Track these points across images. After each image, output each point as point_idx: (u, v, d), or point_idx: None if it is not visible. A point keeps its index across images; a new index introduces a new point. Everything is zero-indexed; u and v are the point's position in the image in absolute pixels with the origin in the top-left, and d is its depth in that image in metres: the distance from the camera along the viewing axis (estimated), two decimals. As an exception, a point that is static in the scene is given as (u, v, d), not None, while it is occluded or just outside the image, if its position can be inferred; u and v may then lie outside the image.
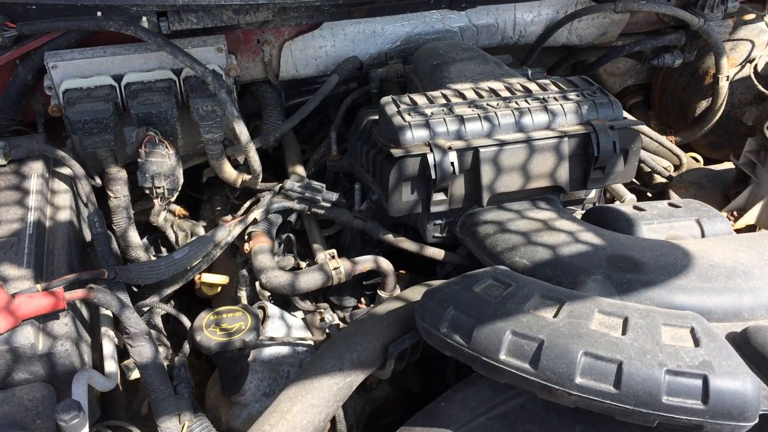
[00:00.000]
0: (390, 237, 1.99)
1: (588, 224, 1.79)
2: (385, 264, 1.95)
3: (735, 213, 2.25)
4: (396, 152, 1.74)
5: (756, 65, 2.53)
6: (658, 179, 2.52)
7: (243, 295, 2.02)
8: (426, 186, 1.80)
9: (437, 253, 1.96)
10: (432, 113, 1.83)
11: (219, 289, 2.14)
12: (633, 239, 1.73)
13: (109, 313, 1.69)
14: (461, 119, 1.81)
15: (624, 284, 1.56)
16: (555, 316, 1.41)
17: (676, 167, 2.59)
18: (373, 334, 1.67)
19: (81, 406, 1.28)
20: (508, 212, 1.87)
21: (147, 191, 1.98)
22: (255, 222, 2.00)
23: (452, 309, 1.50)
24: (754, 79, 2.47)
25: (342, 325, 1.99)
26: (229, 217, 2.05)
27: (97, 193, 1.99)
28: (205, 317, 1.72)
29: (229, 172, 2.18)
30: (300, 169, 2.24)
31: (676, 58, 2.69)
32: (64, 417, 1.25)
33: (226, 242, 1.93)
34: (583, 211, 2.08)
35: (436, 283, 1.81)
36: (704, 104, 2.73)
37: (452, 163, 1.75)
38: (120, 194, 2.02)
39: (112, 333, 1.64)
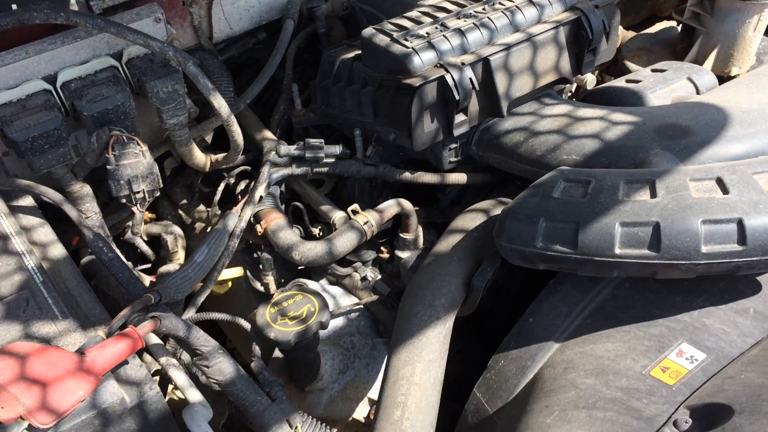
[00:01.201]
0: (407, 174, 1.86)
1: (608, 106, 1.77)
2: (407, 204, 1.83)
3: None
4: (414, 81, 1.60)
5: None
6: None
7: (270, 280, 1.82)
8: (445, 110, 1.69)
9: (460, 178, 1.87)
10: (428, 33, 1.70)
11: (229, 284, 1.92)
12: (661, 108, 1.74)
13: (158, 340, 1.45)
14: (460, 32, 1.70)
15: (682, 150, 1.57)
16: (653, 196, 1.38)
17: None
18: (451, 273, 1.58)
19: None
20: (523, 116, 1.80)
21: (124, 200, 1.69)
22: (261, 200, 1.78)
23: (543, 221, 1.43)
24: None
25: (371, 278, 1.86)
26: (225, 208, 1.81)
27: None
28: (265, 312, 1.53)
29: (199, 157, 1.92)
30: (269, 134, 2.02)
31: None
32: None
33: (240, 229, 1.71)
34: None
35: (482, 205, 1.74)
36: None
37: (471, 79, 1.64)
38: (91, 212, 1.72)
39: (175, 361, 1.41)
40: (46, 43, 1.63)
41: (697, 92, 1.91)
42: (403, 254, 1.87)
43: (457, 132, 1.72)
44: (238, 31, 2.09)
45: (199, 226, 2.18)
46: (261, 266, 1.80)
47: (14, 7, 1.51)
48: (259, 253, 2.01)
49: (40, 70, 1.64)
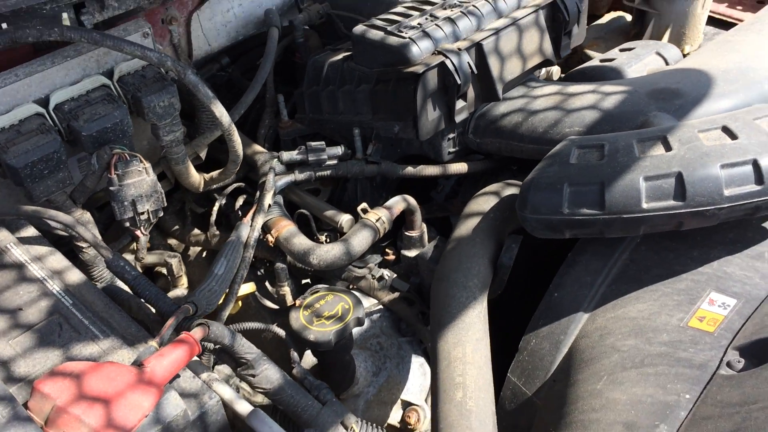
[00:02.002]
0: (410, 169, 1.87)
1: (594, 81, 1.84)
2: (413, 200, 1.84)
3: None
4: (416, 68, 1.62)
5: None
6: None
7: (287, 291, 1.77)
8: (445, 98, 1.72)
9: (461, 168, 1.89)
10: (420, 24, 1.73)
11: (240, 304, 1.86)
12: (646, 77, 1.83)
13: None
14: (450, 20, 1.74)
15: (678, 110, 1.64)
16: (669, 149, 1.44)
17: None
18: (477, 254, 1.59)
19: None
20: (516, 100, 1.85)
21: (127, 223, 1.63)
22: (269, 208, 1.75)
23: (567, 186, 1.47)
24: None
25: (388, 276, 1.84)
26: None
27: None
28: (299, 315, 1.50)
29: (194, 175, 1.87)
30: (259, 148, 1.99)
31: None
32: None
33: (254, 239, 1.67)
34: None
35: (492, 188, 1.76)
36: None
37: (469, 63, 1.68)
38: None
39: (216, 374, 1.35)
40: (35, 65, 1.56)
41: (667, 65, 2.02)
42: (410, 252, 1.87)
43: (458, 118, 1.74)
44: (216, 48, 2.06)
45: (194, 251, 2.11)
46: (276, 278, 1.76)
47: (4, 25, 1.44)
48: (263, 269, 1.97)
49: (31, 93, 1.57)
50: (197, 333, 1.20)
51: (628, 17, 2.64)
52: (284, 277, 1.76)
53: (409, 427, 1.66)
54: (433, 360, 1.43)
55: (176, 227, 2.08)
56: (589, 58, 2.45)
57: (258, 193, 1.76)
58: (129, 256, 1.91)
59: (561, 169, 1.50)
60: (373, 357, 1.69)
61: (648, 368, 1.38)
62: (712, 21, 2.54)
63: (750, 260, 1.50)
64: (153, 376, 1.09)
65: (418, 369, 1.74)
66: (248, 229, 1.67)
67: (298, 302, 1.57)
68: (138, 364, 1.10)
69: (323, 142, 1.82)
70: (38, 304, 1.27)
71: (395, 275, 1.82)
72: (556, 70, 2.41)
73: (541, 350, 1.57)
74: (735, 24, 2.59)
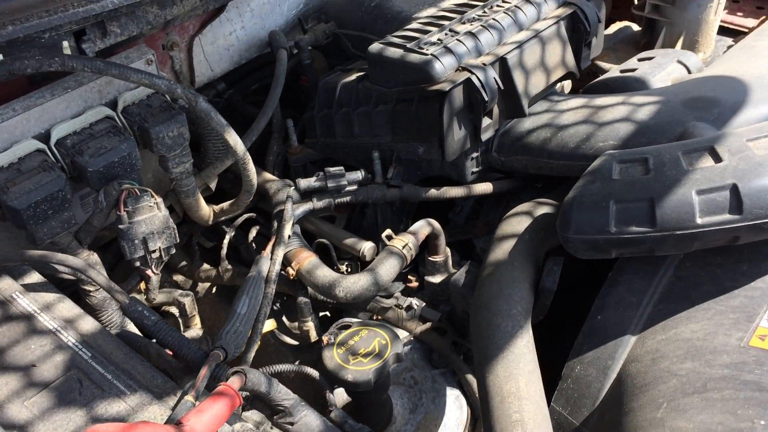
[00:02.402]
0: (433, 192, 1.78)
1: (620, 93, 1.77)
2: (437, 224, 1.74)
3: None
4: (442, 86, 1.53)
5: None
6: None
7: (311, 326, 1.66)
8: (470, 116, 1.63)
9: (486, 188, 1.80)
10: (440, 39, 1.64)
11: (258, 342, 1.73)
12: (677, 86, 1.75)
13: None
14: (472, 35, 1.66)
15: (717, 119, 1.57)
16: (719, 161, 1.36)
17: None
18: (518, 279, 1.49)
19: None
20: (542, 114, 1.77)
21: (138, 262, 1.51)
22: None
23: (614, 204, 1.38)
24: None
25: (417, 306, 1.74)
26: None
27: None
28: (333, 355, 1.38)
29: (204, 208, 1.76)
30: (270, 176, 1.89)
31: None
32: None
33: (276, 273, 1.56)
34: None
35: (522, 208, 1.67)
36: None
37: (495, 78, 1.60)
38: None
39: (249, 425, 1.23)
40: (33, 98, 1.45)
41: (689, 72, 1.95)
42: (435, 279, 1.77)
43: (484, 136, 1.66)
44: (219, 73, 1.96)
45: (203, 287, 1.99)
46: (299, 313, 1.64)
47: (0, 57, 1.33)
48: (277, 303, 1.86)
49: (30, 128, 1.45)
50: (235, 383, 1.09)
51: (634, 27, 2.59)
52: (308, 312, 1.64)
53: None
54: (482, 396, 1.32)
55: (184, 263, 1.96)
56: (601, 70, 2.38)
57: (275, 224, 1.65)
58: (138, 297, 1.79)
59: (604, 185, 1.41)
60: (408, 392, 1.58)
61: (712, 393, 1.28)
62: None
63: (802, 273, 1.42)
64: (193, 436, 0.97)
65: (454, 402, 1.63)
66: (269, 263, 1.56)
67: (326, 339, 1.46)
68: (176, 422, 0.98)
69: (341, 168, 1.72)
70: (53, 358, 1.15)
71: (424, 304, 1.71)
72: (567, 84, 2.34)
73: (587, 377, 1.48)
74: (737, 30, 2.56)
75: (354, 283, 1.56)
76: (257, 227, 1.82)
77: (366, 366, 1.35)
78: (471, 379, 1.62)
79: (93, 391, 1.09)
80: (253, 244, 1.80)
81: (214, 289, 1.99)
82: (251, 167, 1.63)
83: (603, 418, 1.43)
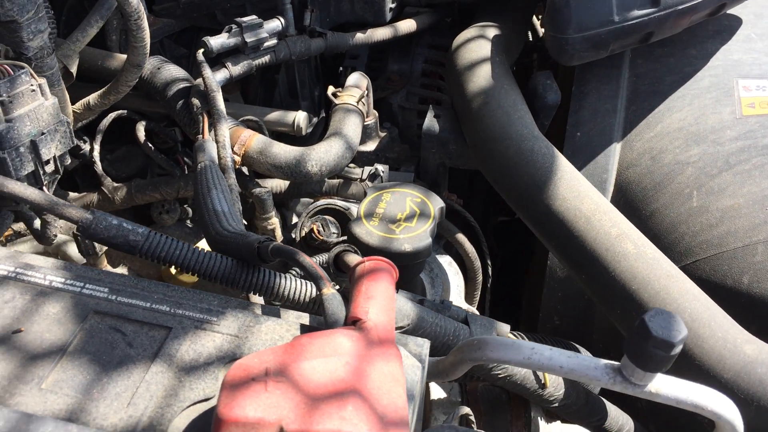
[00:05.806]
0: (360, 36, 1.46)
1: None
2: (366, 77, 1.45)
3: None
4: None
5: None
6: None
7: (275, 223, 1.27)
8: None
9: (410, 26, 1.55)
10: None
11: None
12: None
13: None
14: None
15: None
16: None
17: None
18: (518, 101, 1.32)
19: None
20: None
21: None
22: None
23: None
24: None
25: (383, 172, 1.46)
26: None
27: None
28: (368, 228, 1.07)
29: (68, 104, 1.22)
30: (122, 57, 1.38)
31: None
32: None
33: (230, 159, 1.14)
34: None
35: (472, 32, 1.47)
36: None
37: None
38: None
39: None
40: None
41: None
42: (366, 147, 1.51)
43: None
44: None
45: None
46: (259, 208, 1.25)
47: None
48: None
49: None
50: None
51: None
52: (270, 206, 1.26)
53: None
54: (549, 229, 1.12)
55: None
56: None
57: (194, 101, 1.22)
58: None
59: None
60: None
61: (741, 165, 1.26)
62: None
63: (745, 44, 1.46)
64: (380, 332, 0.63)
65: (449, 268, 1.42)
66: (215, 146, 1.14)
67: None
68: (353, 321, 0.63)
69: (255, 16, 1.31)
70: (42, 309, 0.67)
71: (387, 168, 1.43)
72: None
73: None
74: None
75: (327, 152, 1.22)
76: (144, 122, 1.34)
77: (418, 230, 1.06)
78: (461, 238, 1.42)
79: (149, 335, 0.66)
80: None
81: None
82: (146, 26, 1.16)
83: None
